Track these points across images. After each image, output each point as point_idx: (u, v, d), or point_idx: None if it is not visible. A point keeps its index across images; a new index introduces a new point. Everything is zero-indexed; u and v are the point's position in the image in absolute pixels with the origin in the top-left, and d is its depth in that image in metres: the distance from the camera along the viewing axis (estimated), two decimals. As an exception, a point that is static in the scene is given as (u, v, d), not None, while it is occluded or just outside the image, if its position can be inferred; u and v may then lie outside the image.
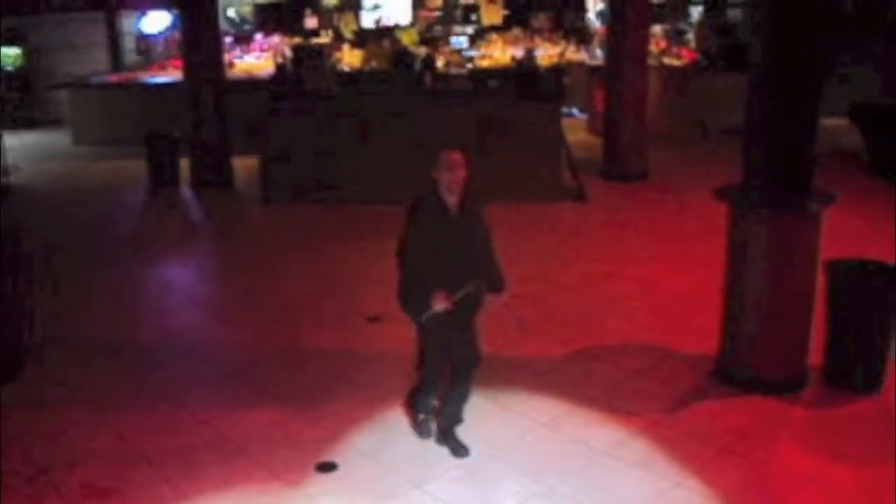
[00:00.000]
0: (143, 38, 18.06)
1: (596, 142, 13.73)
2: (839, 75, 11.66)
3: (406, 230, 5.61)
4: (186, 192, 12.46)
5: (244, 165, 12.66)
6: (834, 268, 6.57)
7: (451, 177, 5.41)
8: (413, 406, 6.10)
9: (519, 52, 16.24)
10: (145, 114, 14.20)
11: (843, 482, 5.55)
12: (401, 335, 6.43)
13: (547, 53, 16.70)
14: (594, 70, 15.51)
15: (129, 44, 18.15)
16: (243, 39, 17.70)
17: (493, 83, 12.82)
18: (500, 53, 16.82)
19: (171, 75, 15.43)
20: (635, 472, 5.64)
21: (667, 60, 16.15)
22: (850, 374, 6.58)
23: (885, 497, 5.38)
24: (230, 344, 7.57)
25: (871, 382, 6.55)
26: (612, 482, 5.54)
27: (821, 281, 6.56)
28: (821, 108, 6.32)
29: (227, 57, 14.83)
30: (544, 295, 8.28)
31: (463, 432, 5.87)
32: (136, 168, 12.69)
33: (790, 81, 6.24)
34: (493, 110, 11.53)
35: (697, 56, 16.14)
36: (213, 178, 12.53)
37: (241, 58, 16.79)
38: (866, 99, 13.39)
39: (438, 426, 5.92)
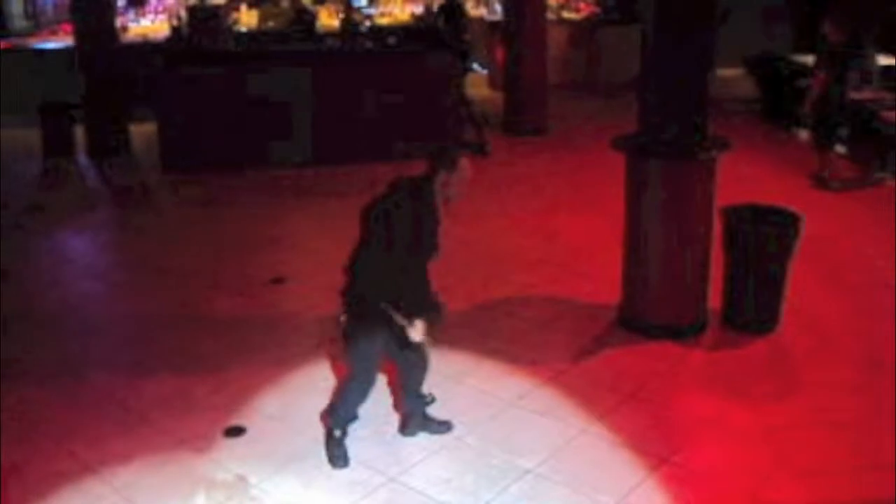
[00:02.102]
0: (31, 2, 17.41)
1: (497, 97, 13.75)
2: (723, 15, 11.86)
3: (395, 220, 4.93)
4: (82, 160, 12.12)
5: (141, 132, 12.37)
6: (730, 213, 6.72)
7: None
8: (334, 421, 5.41)
9: (419, 9, 16.14)
10: (37, 81, 13.73)
11: (742, 422, 5.71)
12: (302, 297, 6.39)
13: (446, 9, 16.62)
14: (494, 25, 15.51)
15: (16, 8, 17.48)
16: (137, 2, 17.20)
17: (392, 40, 12.71)
18: (399, 11, 16.69)
19: (62, 40, 14.93)
20: (541, 421, 5.72)
21: (566, 14, 16.23)
22: (747, 316, 6.76)
23: (782, 434, 5.57)
24: (129, 314, 7.44)
25: (767, 324, 6.75)
26: (519, 431, 5.62)
27: (718, 226, 6.72)
28: (716, 59, 6.41)
29: (120, 20, 14.41)
30: (446, 251, 8.23)
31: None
32: (29, 138, 12.29)
33: (681, 30, 6.30)
34: (393, 67, 11.45)
35: (596, 9, 16.24)
36: (110, 145, 12.21)
37: (135, 21, 16.34)
38: (761, 51, 13.67)
39: (408, 415, 5.62)
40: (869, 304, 7.36)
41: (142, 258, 8.73)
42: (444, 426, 5.62)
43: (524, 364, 6.35)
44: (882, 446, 5.41)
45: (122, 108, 12.31)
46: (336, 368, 6.20)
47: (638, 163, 6.53)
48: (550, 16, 14.12)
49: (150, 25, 16.10)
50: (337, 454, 5.31)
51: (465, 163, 5.00)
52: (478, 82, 15.16)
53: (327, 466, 5.29)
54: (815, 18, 13.62)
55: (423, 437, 5.54)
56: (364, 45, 12.98)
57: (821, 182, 10.19)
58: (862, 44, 10.58)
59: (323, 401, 5.92)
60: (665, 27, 6.34)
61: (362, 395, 5.28)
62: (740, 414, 5.79)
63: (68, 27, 13.84)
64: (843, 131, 11.09)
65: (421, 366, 5.41)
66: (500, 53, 14.03)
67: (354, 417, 5.38)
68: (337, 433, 5.34)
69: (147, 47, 13.73)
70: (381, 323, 5.00)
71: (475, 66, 16.23)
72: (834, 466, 5.24)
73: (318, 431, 5.59)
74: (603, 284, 7.24)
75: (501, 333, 6.83)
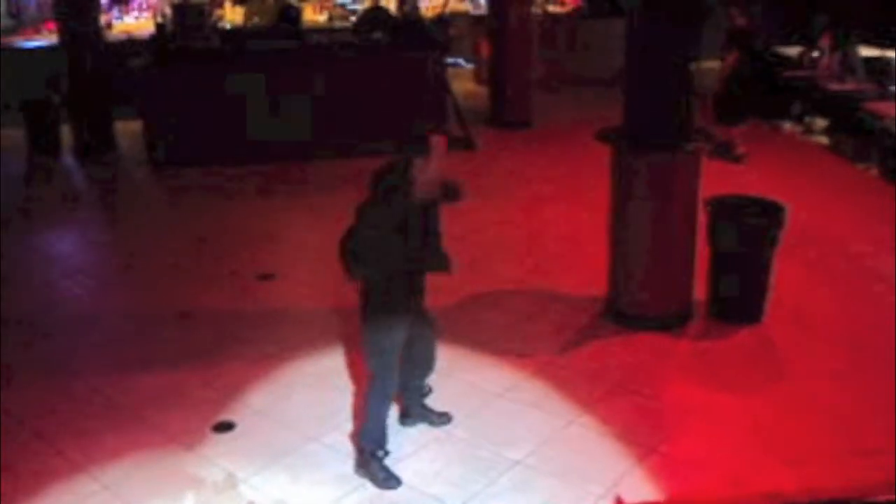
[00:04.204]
0: (14, 0, 17.33)
1: (483, 91, 13.76)
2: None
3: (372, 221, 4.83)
4: (68, 159, 12.08)
5: (128, 129, 12.33)
6: (714, 205, 6.76)
7: (443, 165, 4.96)
8: (368, 440, 5.19)
9: (403, 4, 16.12)
10: (21, 79, 13.66)
11: (729, 411, 5.76)
12: (292, 292, 6.40)
13: (431, 4, 16.61)
14: (479, 19, 15.51)
15: (-1, 6, 17.40)
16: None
17: (377, 35, 12.70)
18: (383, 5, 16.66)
19: (46, 38, 14.87)
20: (530, 413, 5.76)
21: (551, 8, 16.24)
22: (732, 307, 6.81)
23: (769, 422, 5.63)
24: (118, 310, 7.43)
25: (752, 314, 6.79)
26: (508, 423, 5.66)
27: (703, 218, 6.76)
28: (702, 51, 6.45)
29: (104, 18, 14.35)
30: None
31: (351, 382, 5.90)
32: (14, 137, 12.25)
33: (666, 23, 6.34)
34: (378, 62, 11.46)
35: (581, 2, 16.26)
36: (96, 143, 12.17)
37: (119, 18, 16.28)
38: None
39: (408, 407, 5.63)
40: (853, 291, 7.43)
41: (129, 255, 8.73)
42: (443, 417, 5.65)
43: (512, 356, 6.38)
44: (868, 432, 5.48)
45: (108, 106, 12.27)
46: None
47: (623, 155, 6.56)
48: (535, 9, 14.13)
49: (134, 23, 16.05)
50: (386, 476, 5.11)
51: (437, 140, 4.89)
52: (463, 77, 15.18)
53: (316, 460, 5.31)
54: (797, 10, 13.77)
55: (411, 431, 5.56)
56: (348, 40, 12.95)
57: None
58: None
59: (312, 395, 5.95)
60: (650, 20, 6.37)
61: (388, 397, 5.15)
62: (727, 403, 5.84)
63: (52, 25, 13.78)
64: (824, 122, 11.25)
65: (429, 358, 5.44)
66: (485, 48, 14.04)
67: (385, 431, 5.19)
68: (380, 453, 5.17)
69: (132, 45, 13.67)
70: (399, 312, 4.96)
71: (461, 61, 16.27)
72: (821, 453, 5.29)
73: (307, 426, 5.62)
74: (589, 276, 7.28)
75: (488, 326, 6.86)
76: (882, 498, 4.15)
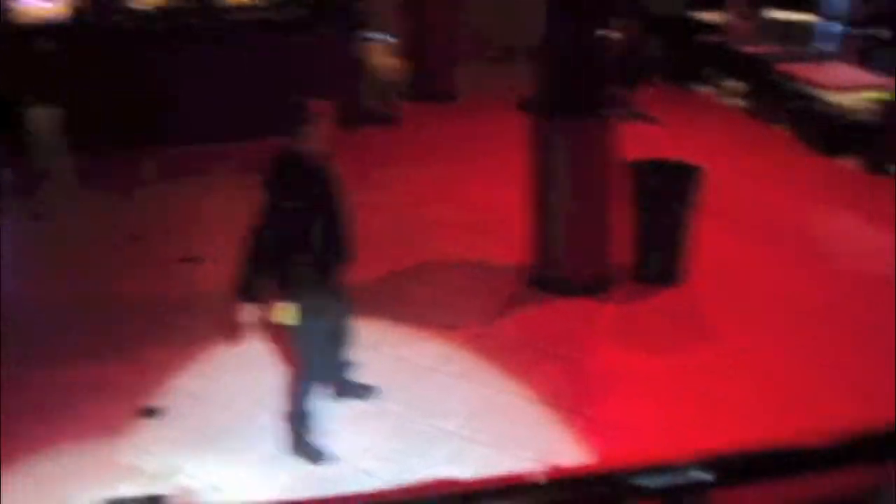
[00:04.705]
0: None
1: (407, 64, 13.69)
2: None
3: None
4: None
5: (44, 115, 12.01)
6: (635, 169, 6.86)
7: (331, 131, 4.93)
8: (300, 427, 5.22)
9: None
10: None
11: (654, 372, 5.90)
12: (215, 274, 6.34)
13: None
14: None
15: None
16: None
17: (289, 12, 12.51)
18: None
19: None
20: (461, 384, 5.82)
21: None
22: (654, 269, 6.94)
23: (697, 381, 5.78)
24: (41, 301, 7.29)
25: (674, 276, 6.93)
26: (439, 395, 5.71)
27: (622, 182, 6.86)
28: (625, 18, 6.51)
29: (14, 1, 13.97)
30: (361, 220, 8.23)
31: (280, 362, 5.90)
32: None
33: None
34: (293, 39, 11.35)
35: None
36: (4, 133, 11.84)
37: (31, 1, 15.84)
38: (659, 10, 13.88)
39: (336, 383, 5.63)
40: (773, 250, 7.62)
41: (48, 244, 8.56)
42: (372, 391, 5.68)
43: (441, 328, 6.43)
44: (794, 386, 5.64)
45: (21, 92, 11.95)
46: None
47: (541, 122, 6.62)
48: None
49: (42, 6, 15.63)
50: (318, 453, 5.16)
51: (321, 106, 4.91)
52: (385, 51, 15.08)
53: (249, 442, 5.31)
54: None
55: (342, 407, 5.57)
56: (263, 18, 12.76)
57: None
58: None
59: (242, 377, 5.93)
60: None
61: (316, 376, 5.17)
62: (653, 364, 5.97)
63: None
64: (739, 85, 11.46)
65: (347, 332, 5.45)
66: (409, 21, 13.95)
67: (315, 409, 5.22)
68: (311, 431, 5.19)
69: (44, 28, 13.33)
70: (323, 290, 4.95)
71: (382, 35, 16.14)
72: (749, 409, 5.44)
73: (239, 408, 5.61)
74: (515, 246, 7.32)
75: (416, 299, 6.90)
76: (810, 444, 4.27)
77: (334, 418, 5.46)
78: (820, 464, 2.80)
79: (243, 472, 5.08)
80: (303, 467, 5.09)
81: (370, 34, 13.44)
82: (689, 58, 12.87)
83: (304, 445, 5.19)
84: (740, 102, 11.83)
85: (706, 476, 2.70)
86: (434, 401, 5.65)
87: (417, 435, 5.33)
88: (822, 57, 11.58)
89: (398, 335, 6.40)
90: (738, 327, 6.41)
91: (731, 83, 12.12)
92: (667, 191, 6.78)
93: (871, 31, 11.47)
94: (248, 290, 4.84)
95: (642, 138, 8.41)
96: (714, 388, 5.67)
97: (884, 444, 2.81)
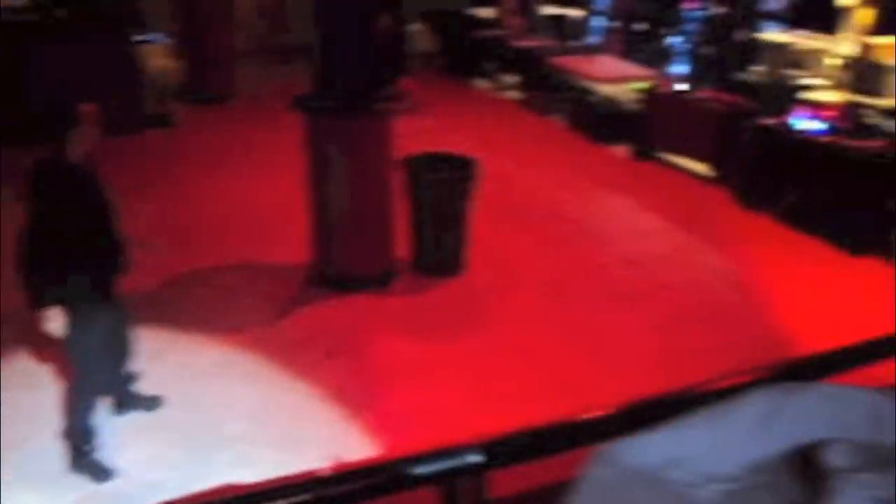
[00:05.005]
0: None
1: (182, 67, 13.35)
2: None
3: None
4: None
5: None
6: (409, 163, 6.95)
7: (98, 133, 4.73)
8: (81, 443, 4.98)
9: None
10: None
11: (438, 361, 6.00)
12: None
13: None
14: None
15: None
16: None
17: (61, 12, 11.95)
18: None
19: None
20: (245, 386, 5.73)
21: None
22: (434, 260, 7.05)
23: (479, 367, 5.94)
24: None
25: (454, 266, 7.07)
26: (223, 399, 5.60)
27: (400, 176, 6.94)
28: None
29: None
30: (136, 225, 7.92)
31: (55, 379, 5.64)
32: None
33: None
34: (64, 43, 10.85)
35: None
36: None
37: None
38: (437, 6, 14.13)
39: (116, 396, 5.41)
40: (548, 236, 7.90)
41: None
42: (154, 401, 5.51)
43: (223, 332, 6.31)
44: (566, 367, 5.86)
45: None
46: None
47: (315, 121, 6.61)
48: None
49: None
50: (100, 469, 4.94)
51: (86, 109, 4.68)
52: (161, 52, 14.64)
53: (28, 465, 5.00)
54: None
55: (123, 420, 5.38)
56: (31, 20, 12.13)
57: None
58: None
59: (13, 397, 5.60)
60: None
61: (93, 391, 4.95)
62: (437, 353, 6.08)
63: None
64: (514, 78, 11.82)
65: (126, 343, 5.27)
66: (184, 22, 13.60)
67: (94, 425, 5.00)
68: (91, 448, 4.96)
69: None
70: (96, 299, 4.76)
71: (157, 36, 15.66)
72: (530, 391, 5.59)
73: (14, 430, 5.27)
74: (298, 245, 7.27)
75: (198, 304, 6.74)
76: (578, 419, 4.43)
77: (117, 432, 5.26)
78: (588, 439, 2.90)
79: (24, 497, 4.81)
80: (86, 486, 4.87)
81: (147, 36, 13.04)
82: (468, 53, 13.17)
83: (86, 462, 4.96)
84: (516, 95, 12.19)
85: (478, 458, 2.75)
86: (219, 406, 5.54)
87: (203, 442, 5.20)
88: (590, 50, 12.09)
89: (180, 342, 6.24)
90: (514, 313, 6.62)
91: (508, 77, 12.47)
92: (442, 184, 6.90)
93: (633, 25, 12.08)
94: (34, 299, 4.61)
95: (419, 133, 8.53)
96: (493, 372, 5.83)
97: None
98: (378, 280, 6.86)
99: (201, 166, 9.79)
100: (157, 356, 5.95)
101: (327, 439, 5.18)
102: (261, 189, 9.05)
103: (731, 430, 2.38)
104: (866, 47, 8.97)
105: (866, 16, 9.25)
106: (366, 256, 6.83)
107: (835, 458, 2.22)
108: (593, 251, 7.70)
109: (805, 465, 2.24)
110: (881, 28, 9.14)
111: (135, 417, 5.40)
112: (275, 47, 14.88)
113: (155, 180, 9.22)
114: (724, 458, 2.33)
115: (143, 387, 5.55)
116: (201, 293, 6.93)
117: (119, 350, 5.26)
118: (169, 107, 11.38)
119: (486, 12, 13.82)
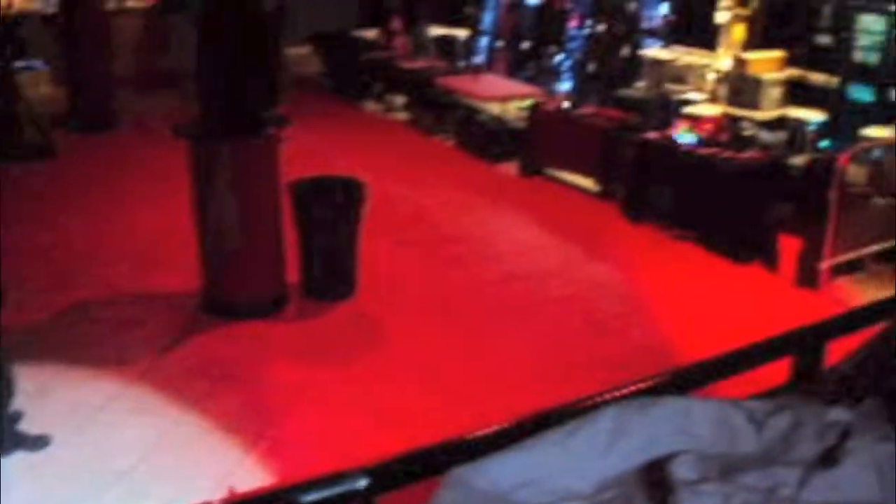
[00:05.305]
0: None
1: (62, 93, 13.07)
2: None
3: None
4: None
5: None
6: (297, 188, 6.94)
7: None
8: None
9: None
10: None
11: (332, 385, 6.00)
12: None
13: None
14: (51, 18, 14.67)
15: None
16: None
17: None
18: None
19: None
20: (136, 420, 5.63)
21: (131, 3, 15.72)
22: (325, 284, 7.06)
23: (372, 390, 5.95)
24: None
25: (345, 289, 7.09)
26: (113, 435, 5.50)
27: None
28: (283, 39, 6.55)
29: None
30: (15, 261, 7.66)
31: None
32: None
33: (230, 17, 6.39)
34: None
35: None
36: None
37: None
38: (324, 29, 14.14)
39: None
40: (437, 256, 7.98)
41: None
42: (40, 441, 5.36)
43: (111, 366, 6.18)
44: (463, 386, 5.92)
45: None
46: None
47: (198, 146, 6.57)
48: (112, 4, 13.66)
49: None
50: None
51: None
52: (41, 80, 14.31)
53: None
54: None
55: (7, 461, 5.24)
56: None
57: None
58: None
59: None
60: (209, 13, 6.40)
61: None
62: (330, 378, 6.08)
63: None
64: (402, 99, 11.92)
65: (8, 382, 5.13)
66: (61, 48, 13.33)
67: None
68: None
69: None
70: None
71: (37, 63, 15.31)
72: (424, 412, 5.60)
73: None
74: (186, 273, 7.18)
75: (84, 338, 6.58)
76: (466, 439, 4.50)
77: (2, 474, 5.12)
78: (474, 458, 2.94)
79: None
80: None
81: (26, 63, 12.76)
82: (356, 75, 13.20)
83: None
84: (405, 116, 12.27)
85: (365, 483, 2.77)
86: (108, 441, 5.43)
87: (92, 478, 5.09)
88: (477, 70, 12.26)
89: (66, 378, 6.08)
90: (406, 334, 6.67)
91: (397, 98, 12.54)
92: (330, 208, 6.92)
93: (519, 44, 12.31)
94: None
95: (307, 156, 8.52)
96: (387, 395, 5.86)
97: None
98: (269, 306, 6.83)
99: (86, 196, 9.58)
100: (43, 393, 5.82)
101: (221, 471, 5.12)
102: (148, 217, 8.90)
103: (583, 448, 2.43)
104: (741, 62, 9.32)
105: (739, 31, 9.63)
106: (256, 283, 6.79)
107: (683, 470, 2.29)
108: (483, 268, 7.80)
109: (656, 478, 2.31)
110: (754, 43, 9.54)
111: (21, 457, 5.27)
112: (159, 73, 14.70)
113: (37, 212, 9.00)
114: (576, 477, 2.37)
115: (29, 426, 5.42)
116: (88, 326, 6.78)
117: (4, 389, 5.12)
118: (50, 136, 11.10)
119: (372, 34, 13.89)
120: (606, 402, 2.78)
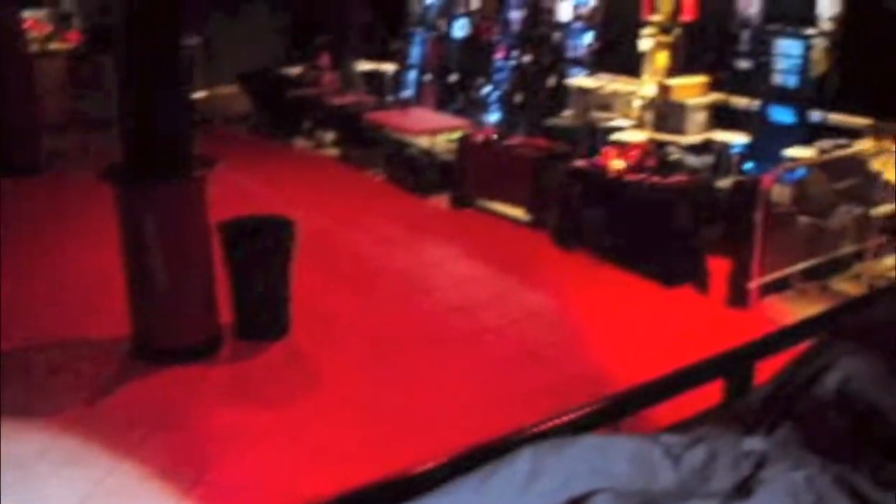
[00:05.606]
0: None
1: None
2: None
3: None
4: None
5: None
6: (226, 228, 6.89)
7: None
8: None
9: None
10: None
11: (270, 426, 5.93)
12: None
13: None
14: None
15: None
16: None
17: None
18: None
19: None
20: (65, 472, 5.50)
21: (53, 46, 15.54)
22: (258, 325, 7.00)
23: (310, 428, 5.90)
24: None
25: (278, 329, 7.03)
26: (43, 487, 5.36)
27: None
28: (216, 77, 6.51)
29: None
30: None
31: None
32: None
33: (147, 56, 6.34)
34: None
35: (84, 38, 15.73)
36: None
37: None
38: (254, 68, 14.10)
39: None
40: (371, 289, 7.98)
41: None
42: None
43: (41, 416, 6.04)
44: (402, 420, 5.91)
45: None
46: None
47: (124, 190, 6.50)
48: (35, 47, 13.51)
49: None
50: None
51: None
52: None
53: None
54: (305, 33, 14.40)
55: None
56: None
57: None
58: None
59: None
60: (130, 54, 6.36)
61: None
62: (266, 419, 6.01)
63: None
64: (332, 135, 11.94)
65: None
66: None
67: None
68: None
69: None
70: None
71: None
72: (362, 449, 5.56)
73: None
74: (117, 318, 7.04)
75: (12, 388, 6.38)
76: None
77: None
78: (411, 494, 2.92)
79: None
80: None
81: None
82: (285, 112, 13.19)
83: None
84: (335, 152, 12.28)
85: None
86: (38, 495, 5.30)
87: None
88: (406, 104, 12.33)
89: (-5, 431, 5.95)
90: (343, 370, 6.63)
91: (326, 134, 12.55)
92: (259, 247, 6.87)
93: (445, 77, 12.43)
94: None
95: (236, 195, 8.49)
96: (326, 433, 5.81)
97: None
98: (202, 349, 6.73)
99: (10, 242, 9.38)
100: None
101: (157, 518, 5.05)
102: (77, 261, 8.75)
103: (500, 490, 2.43)
104: (665, 88, 9.50)
105: (663, 58, 9.82)
106: (188, 326, 6.70)
107: (600, 508, 2.31)
108: (417, 302, 7.80)
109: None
110: (678, 69, 9.74)
111: (-53, 518, 5.14)
112: (85, 115, 14.53)
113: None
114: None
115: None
116: (16, 377, 6.61)
117: None
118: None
119: (299, 71, 13.89)
120: (529, 439, 2.79)
